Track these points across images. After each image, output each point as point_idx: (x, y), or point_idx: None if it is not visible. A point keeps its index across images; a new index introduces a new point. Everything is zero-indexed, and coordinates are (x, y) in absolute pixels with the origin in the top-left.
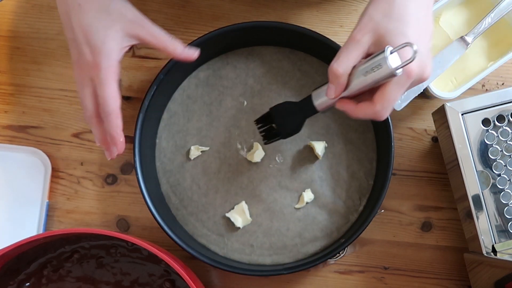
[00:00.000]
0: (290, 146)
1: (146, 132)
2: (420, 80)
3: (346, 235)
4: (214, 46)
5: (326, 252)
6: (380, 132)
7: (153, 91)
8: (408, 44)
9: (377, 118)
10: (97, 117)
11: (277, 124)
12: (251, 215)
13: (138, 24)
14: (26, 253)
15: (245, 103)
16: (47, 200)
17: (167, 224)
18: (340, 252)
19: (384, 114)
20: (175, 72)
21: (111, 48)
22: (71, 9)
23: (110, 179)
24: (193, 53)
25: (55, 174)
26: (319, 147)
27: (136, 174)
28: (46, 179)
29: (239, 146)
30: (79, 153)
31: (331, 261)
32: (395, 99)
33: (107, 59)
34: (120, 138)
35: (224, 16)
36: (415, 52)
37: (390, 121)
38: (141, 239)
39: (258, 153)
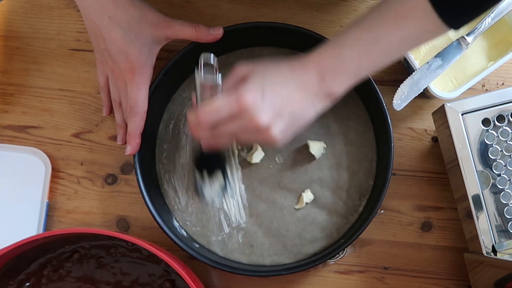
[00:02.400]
0: (289, 146)
1: (146, 132)
2: (250, 122)
3: (346, 236)
4: (214, 48)
5: (326, 253)
6: (380, 132)
7: (153, 91)
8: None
9: (194, 127)
10: (121, 105)
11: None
12: (251, 216)
13: (164, 26)
14: (26, 253)
15: None
16: (47, 200)
17: (167, 225)
18: (340, 253)
19: (202, 118)
20: (174, 73)
21: (146, 56)
22: (101, 22)
23: (110, 179)
24: (218, 34)
25: (55, 174)
26: (315, 146)
27: (136, 175)
28: (46, 179)
29: (239, 147)
30: (79, 153)
31: (331, 261)
32: (216, 112)
33: (141, 66)
34: (137, 139)
35: (224, 16)
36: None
37: (389, 121)
38: (141, 239)
39: (257, 154)
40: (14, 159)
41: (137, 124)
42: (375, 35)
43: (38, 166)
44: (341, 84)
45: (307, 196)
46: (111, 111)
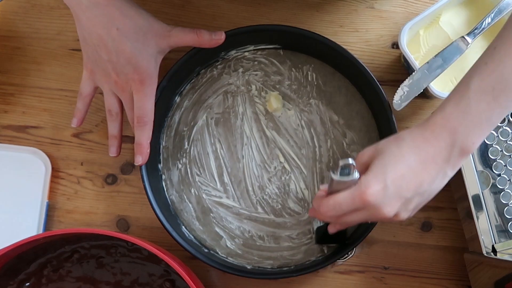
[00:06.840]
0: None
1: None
2: (375, 215)
3: (354, 236)
4: (214, 52)
5: (334, 253)
6: (385, 132)
7: (158, 99)
8: (348, 164)
9: (317, 214)
10: (117, 116)
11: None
12: (257, 217)
13: (166, 36)
14: (26, 253)
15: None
16: (47, 200)
17: (170, 224)
18: (349, 252)
19: (324, 211)
20: (177, 78)
21: (153, 66)
22: (108, 34)
23: (110, 179)
24: (220, 38)
25: (55, 174)
26: (275, 100)
27: (143, 182)
28: (46, 179)
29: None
30: (79, 153)
31: (340, 261)
32: (339, 206)
33: (150, 77)
34: (147, 149)
35: (224, 16)
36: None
37: (394, 121)
38: (141, 239)
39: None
40: (14, 159)
41: (146, 134)
42: (500, 75)
43: (38, 166)
44: (475, 140)
45: None
46: (82, 123)
